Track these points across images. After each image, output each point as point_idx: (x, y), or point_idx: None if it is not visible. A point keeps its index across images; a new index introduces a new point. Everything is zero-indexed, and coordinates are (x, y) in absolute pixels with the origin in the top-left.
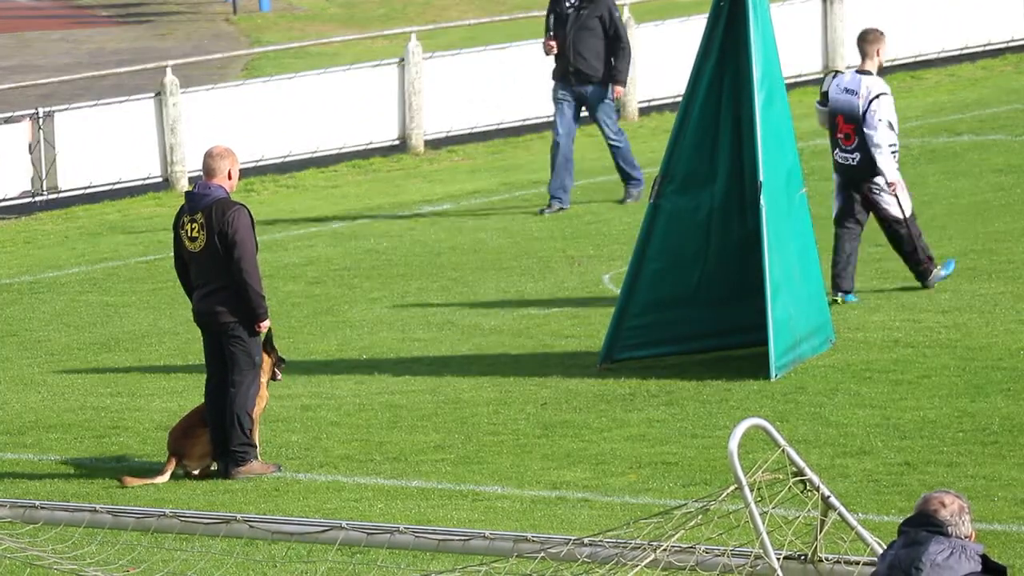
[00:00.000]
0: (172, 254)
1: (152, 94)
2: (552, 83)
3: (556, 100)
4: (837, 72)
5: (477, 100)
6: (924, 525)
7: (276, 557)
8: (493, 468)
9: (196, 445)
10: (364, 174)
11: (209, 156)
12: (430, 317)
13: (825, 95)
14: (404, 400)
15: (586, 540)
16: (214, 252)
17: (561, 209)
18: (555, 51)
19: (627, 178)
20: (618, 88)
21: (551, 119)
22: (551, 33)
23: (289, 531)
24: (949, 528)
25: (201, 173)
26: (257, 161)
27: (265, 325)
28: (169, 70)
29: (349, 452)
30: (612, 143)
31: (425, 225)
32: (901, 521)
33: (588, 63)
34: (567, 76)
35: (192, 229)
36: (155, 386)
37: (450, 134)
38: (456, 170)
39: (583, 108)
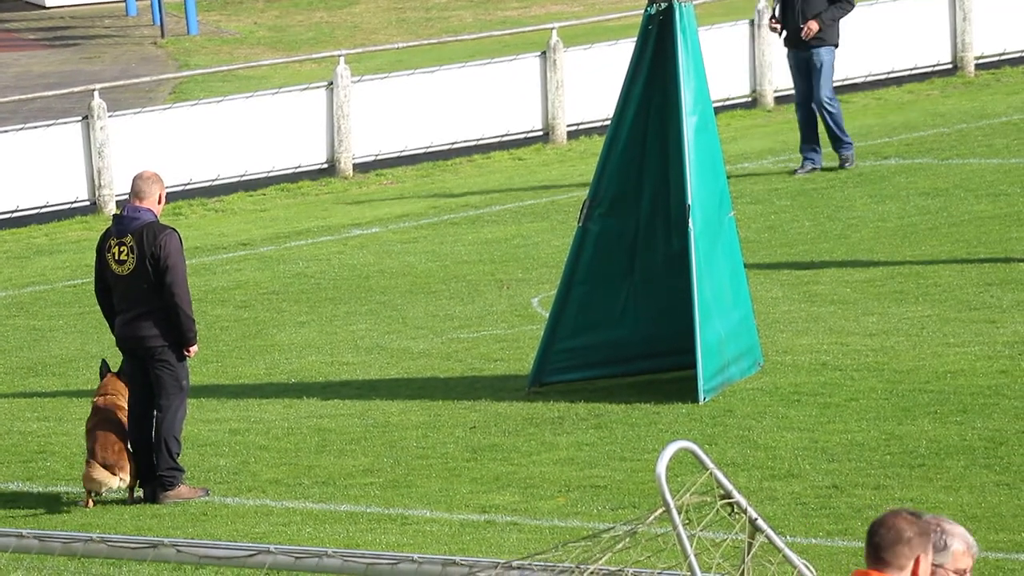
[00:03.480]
0: (94, 280)
1: (79, 118)
2: (785, 51)
3: (790, 67)
4: None
5: (405, 124)
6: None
7: None
8: (422, 492)
9: (129, 460)
10: (292, 197)
11: (140, 179)
12: (359, 341)
13: None
14: (333, 424)
15: (515, 563)
16: (143, 275)
17: (814, 169)
18: (780, 30)
19: (837, 143)
20: (812, 23)
21: (478, 142)
22: (775, 16)
23: (217, 555)
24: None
25: (129, 196)
26: (185, 184)
27: (195, 350)
28: (96, 94)
29: (278, 476)
30: (825, 106)
31: (354, 249)
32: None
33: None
34: (799, 43)
35: (120, 252)
36: (82, 411)
37: (379, 157)
38: (385, 193)
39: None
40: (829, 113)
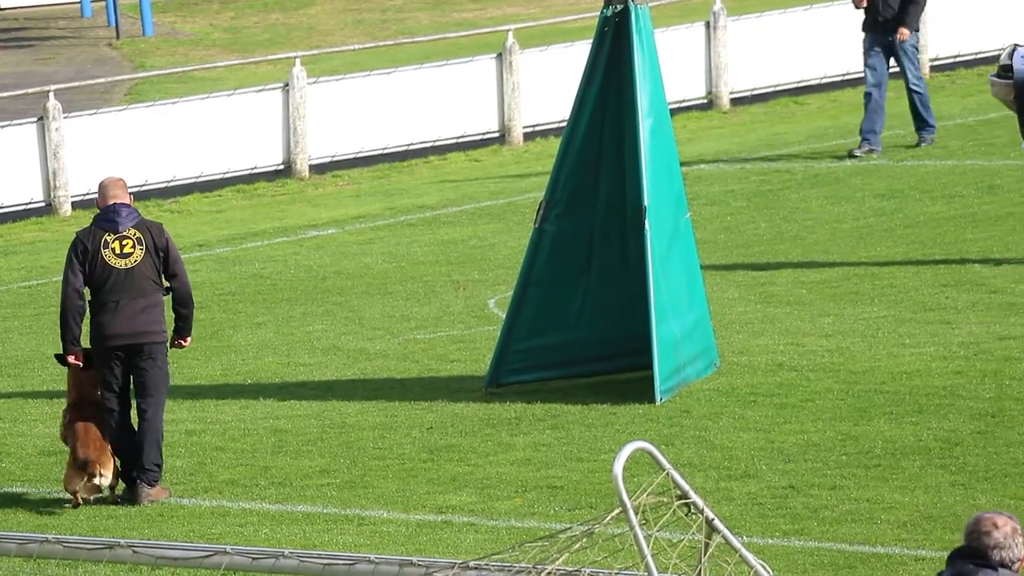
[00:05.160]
0: (70, 277)
1: (34, 119)
2: (863, 35)
3: (866, 51)
4: (1018, 45)
5: (362, 125)
6: (972, 556)
7: None
8: (378, 492)
9: (112, 459)
10: (248, 199)
11: (111, 185)
12: (315, 342)
13: (1006, 68)
14: (289, 425)
15: (471, 564)
16: (150, 267)
17: (872, 151)
18: (864, 4)
19: (922, 124)
20: (902, 30)
21: (435, 144)
22: None
23: (173, 556)
24: (999, 552)
25: (99, 199)
26: (141, 185)
27: (190, 341)
28: (52, 95)
29: (234, 477)
30: (912, 88)
31: (310, 250)
32: (951, 550)
33: (895, 11)
34: (876, 26)
35: (124, 245)
36: (38, 412)
37: (335, 159)
38: (341, 195)
39: (892, 58)
40: (917, 94)
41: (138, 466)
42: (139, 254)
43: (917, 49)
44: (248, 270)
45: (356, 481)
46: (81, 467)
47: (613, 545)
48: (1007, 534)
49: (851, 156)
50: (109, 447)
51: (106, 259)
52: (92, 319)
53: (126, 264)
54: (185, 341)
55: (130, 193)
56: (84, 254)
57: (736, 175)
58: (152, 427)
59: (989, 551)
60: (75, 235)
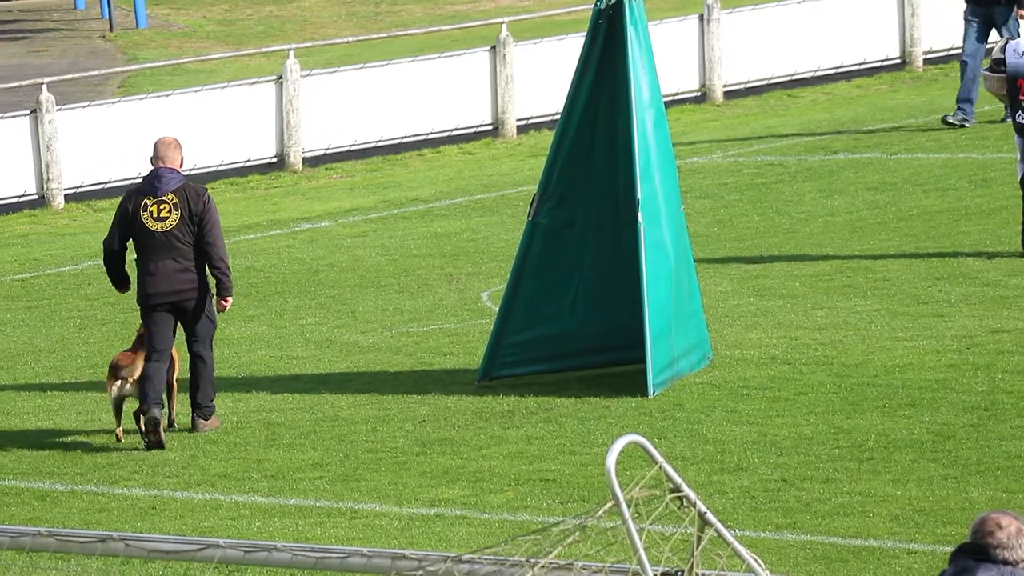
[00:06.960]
0: (107, 238)
1: (28, 111)
2: (965, 5)
3: (966, 20)
4: (1010, 39)
5: (355, 118)
6: (975, 553)
7: (153, 575)
8: (371, 485)
9: (138, 361)
10: (242, 191)
11: (163, 145)
12: (308, 335)
13: (999, 61)
14: (282, 418)
15: (464, 557)
16: (185, 231)
17: (965, 120)
18: None
19: (963, 102)
20: (1021, 11)
21: (428, 136)
22: None
23: (166, 549)
24: (1003, 552)
25: (152, 160)
26: (133, 179)
27: (231, 301)
28: (45, 87)
29: (227, 470)
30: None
31: (303, 243)
32: (954, 547)
33: None
34: None
35: (161, 209)
36: (31, 405)
37: (328, 152)
38: (334, 188)
39: (990, 30)
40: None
41: (194, 403)
42: (174, 218)
43: (1019, 24)
44: (241, 263)
45: (349, 474)
46: (113, 371)
47: (606, 538)
48: (1011, 534)
49: (944, 122)
50: (142, 364)
51: (144, 221)
52: (137, 278)
53: (161, 227)
54: (226, 301)
55: (183, 153)
56: (126, 214)
57: (729, 168)
58: (206, 368)
59: (992, 550)
60: (124, 194)
